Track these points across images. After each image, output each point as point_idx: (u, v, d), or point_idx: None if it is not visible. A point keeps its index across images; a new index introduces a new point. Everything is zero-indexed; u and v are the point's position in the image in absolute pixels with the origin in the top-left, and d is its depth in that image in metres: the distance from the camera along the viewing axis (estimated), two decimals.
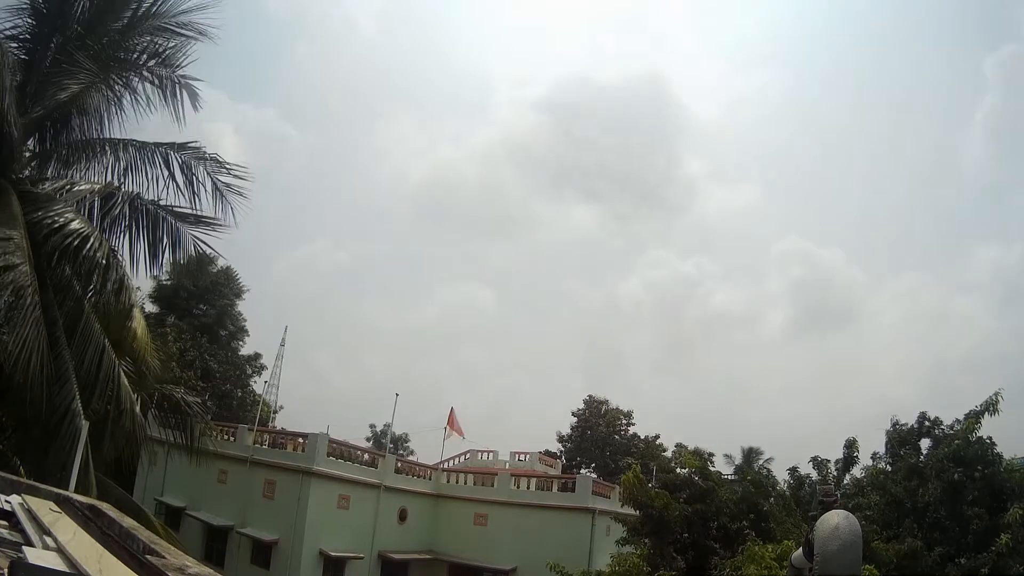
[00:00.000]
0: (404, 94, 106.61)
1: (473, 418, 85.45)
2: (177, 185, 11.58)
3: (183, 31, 11.76)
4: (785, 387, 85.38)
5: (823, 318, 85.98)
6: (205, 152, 11.89)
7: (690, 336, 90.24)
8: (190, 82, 11.77)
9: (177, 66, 11.81)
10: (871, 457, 19.40)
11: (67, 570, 2.78)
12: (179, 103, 11.64)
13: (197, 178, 11.65)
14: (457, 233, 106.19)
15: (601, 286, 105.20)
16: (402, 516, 29.35)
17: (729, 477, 30.35)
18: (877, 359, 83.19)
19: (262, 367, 49.57)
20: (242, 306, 49.68)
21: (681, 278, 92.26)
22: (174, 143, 11.78)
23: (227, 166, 11.92)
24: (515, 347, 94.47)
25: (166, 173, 11.59)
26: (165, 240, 11.21)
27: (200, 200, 11.68)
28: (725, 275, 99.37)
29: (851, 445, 19.15)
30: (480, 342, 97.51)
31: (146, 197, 11.50)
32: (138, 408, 11.49)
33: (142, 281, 16.12)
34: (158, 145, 11.75)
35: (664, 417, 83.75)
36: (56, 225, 9.45)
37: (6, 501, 4.34)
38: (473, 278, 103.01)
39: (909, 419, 18.80)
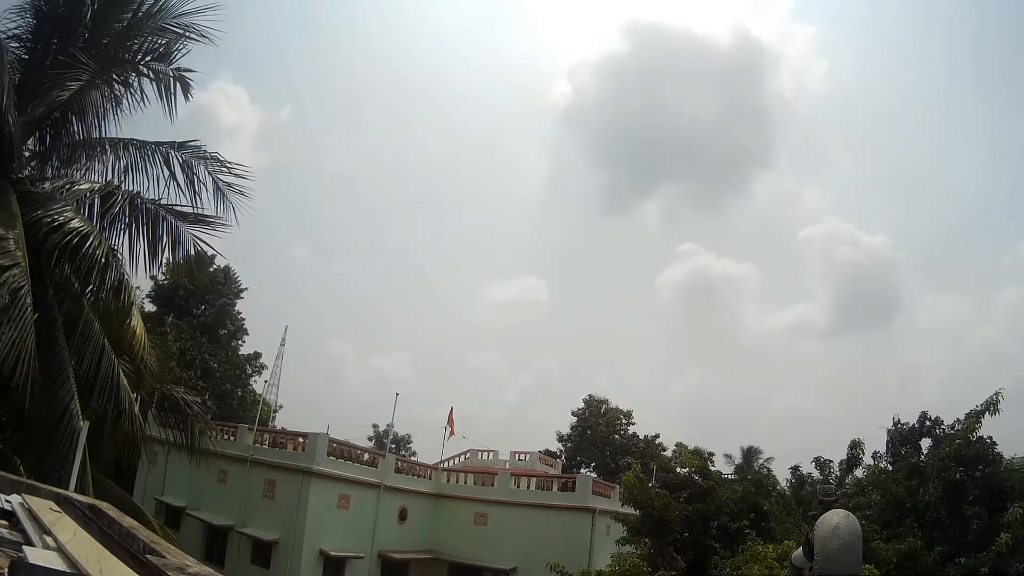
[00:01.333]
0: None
1: (495, 418, 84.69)
2: (178, 184, 11.53)
3: (185, 32, 11.69)
4: (822, 384, 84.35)
5: (865, 312, 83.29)
6: (206, 151, 11.84)
7: (723, 331, 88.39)
8: (184, 74, 11.73)
9: (172, 60, 11.77)
10: (872, 456, 19.42)
11: (67, 570, 2.78)
12: (174, 98, 11.61)
13: (198, 177, 11.59)
14: (509, 224, 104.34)
15: (645, 276, 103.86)
16: (402, 516, 29.34)
17: (730, 477, 30.41)
18: (920, 356, 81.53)
19: (262, 367, 49.67)
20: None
21: (724, 273, 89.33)
22: (174, 142, 11.71)
23: (228, 165, 11.89)
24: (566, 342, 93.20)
25: (167, 173, 11.54)
26: (165, 239, 11.16)
27: (201, 199, 11.62)
28: (765, 269, 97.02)
29: (855, 446, 19.16)
30: (529, 338, 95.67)
31: (147, 196, 11.46)
32: (137, 408, 11.47)
33: (141, 280, 16.09)
34: (158, 144, 11.69)
35: (685, 414, 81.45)
36: (55, 224, 9.43)
37: (6, 501, 4.34)
38: (523, 272, 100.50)
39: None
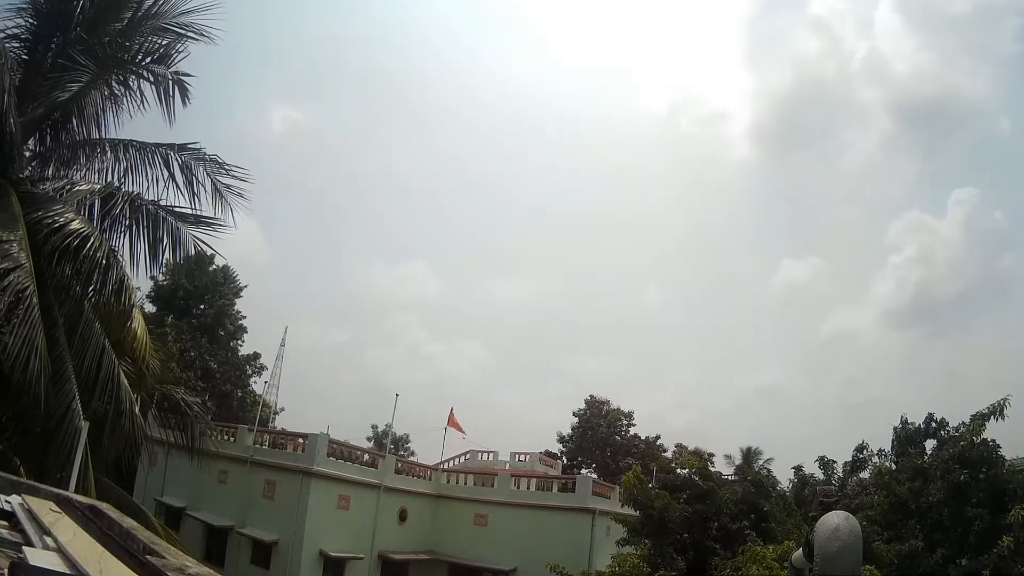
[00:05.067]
0: None
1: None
2: (177, 186, 11.58)
3: (184, 31, 11.72)
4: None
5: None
6: (205, 153, 11.88)
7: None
8: (182, 78, 11.74)
9: (172, 63, 11.79)
10: (876, 453, 19.39)
11: (67, 570, 2.78)
12: (172, 101, 11.60)
13: (197, 179, 11.64)
14: None
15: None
16: (402, 516, 29.33)
17: (730, 477, 30.41)
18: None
19: (262, 367, 49.62)
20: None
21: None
22: (174, 144, 11.74)
23: (227, 167, 11.93)
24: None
25: (166, 174, 11.59)
26: (165, 240, 11.19)
27: (199, 201, 11.68)
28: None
29: (861, 449, 19.15)
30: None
31: (147, 197, 11.48)
32: (138, 408, 11.48)
33: (142, 281, 16.12)
34: (158, 146, 11.73)
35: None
36: (56, 225, 9.44)
37: (6, 501, 4.34)
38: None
39: None
